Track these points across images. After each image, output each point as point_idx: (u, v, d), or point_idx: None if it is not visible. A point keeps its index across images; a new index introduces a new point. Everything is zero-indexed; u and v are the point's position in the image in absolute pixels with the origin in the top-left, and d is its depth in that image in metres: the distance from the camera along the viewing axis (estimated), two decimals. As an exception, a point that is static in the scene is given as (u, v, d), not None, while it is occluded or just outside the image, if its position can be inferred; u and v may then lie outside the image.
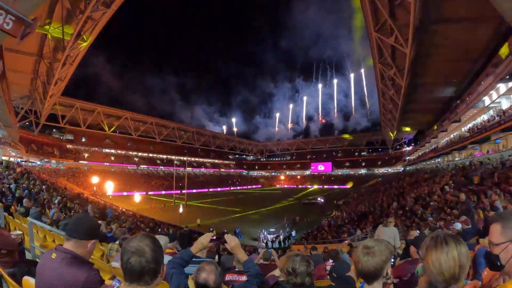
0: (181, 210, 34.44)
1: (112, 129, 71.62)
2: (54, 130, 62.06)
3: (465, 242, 1.40)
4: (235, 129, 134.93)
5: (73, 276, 1.69)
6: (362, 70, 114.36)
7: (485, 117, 29.39)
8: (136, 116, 73.52)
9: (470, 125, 32.52)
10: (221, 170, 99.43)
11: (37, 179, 25.24)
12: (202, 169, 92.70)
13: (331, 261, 5.37)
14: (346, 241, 16.67)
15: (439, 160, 44.72)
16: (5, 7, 5.04)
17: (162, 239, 3.68)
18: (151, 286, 1.34)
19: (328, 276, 4.05)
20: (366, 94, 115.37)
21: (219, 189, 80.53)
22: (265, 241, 24.95)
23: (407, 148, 73.60)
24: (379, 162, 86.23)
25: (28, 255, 4.01)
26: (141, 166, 76.23)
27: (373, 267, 1.58)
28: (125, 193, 56.49)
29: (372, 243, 1.66)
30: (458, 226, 6.40)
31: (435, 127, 43.74)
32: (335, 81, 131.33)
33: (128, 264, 1.30)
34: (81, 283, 1.66)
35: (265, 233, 26.74)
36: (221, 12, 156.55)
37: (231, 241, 2.51)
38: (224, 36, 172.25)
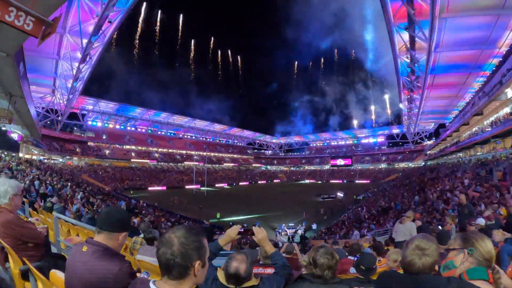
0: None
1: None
2: (75, 128, 63.46)
3: (488, 238, 1.64)
4: (252, 124, 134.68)
5: (105, 269, 1.67)
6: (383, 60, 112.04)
7: (508, 109, 28.36)
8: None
9: (492, 118, 31.51)
10: (240, 165, 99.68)
11: (60, 176, 25.84)
12: (222, 164, 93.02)
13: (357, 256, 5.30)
14: (367, 236, 16.50)
15: (461, 154, 43.58)
16: (24, 8, 5.10)
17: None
18: (183, 282, 1.26)
19: (353, 269, 3.99)
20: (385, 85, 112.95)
21: (239, 183, 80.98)
22: (286, 236, 24.76)
23: (428, 142, 72.00)
24: (400, 157, 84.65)
25: (53, 250, 4.06)
26: (161, 162, 77.04)
27: (429, 268, 1.57)
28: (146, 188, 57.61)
29: (425, 244, 1.61)
30: (482, 221, 6.30)
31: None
32: (354, 72, 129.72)
33: (157, 254, 1.27)
34: (114, 276, 1.63)
35: (284, 227, 26.55)
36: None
37: (259, 233, 2.46)
38: (238, 29, 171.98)
